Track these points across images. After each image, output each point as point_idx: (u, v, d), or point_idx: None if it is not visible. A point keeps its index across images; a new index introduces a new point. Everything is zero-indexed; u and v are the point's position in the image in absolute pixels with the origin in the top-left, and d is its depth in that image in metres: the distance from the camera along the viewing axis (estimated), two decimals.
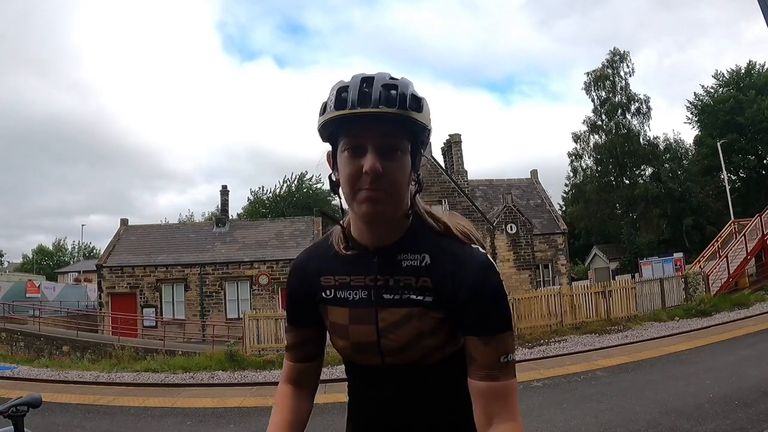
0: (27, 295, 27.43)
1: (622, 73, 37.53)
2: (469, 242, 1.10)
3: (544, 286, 23.62)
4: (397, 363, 1.08)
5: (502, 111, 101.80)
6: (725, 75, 39.77)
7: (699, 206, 36.45)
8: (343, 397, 1.25)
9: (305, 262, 1.20)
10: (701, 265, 20.68)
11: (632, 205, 37.35)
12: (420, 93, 1.02)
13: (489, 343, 1.02)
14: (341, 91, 0.99)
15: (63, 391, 9.49)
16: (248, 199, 47.33)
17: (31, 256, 59.35)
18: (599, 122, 38.02)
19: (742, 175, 39.33)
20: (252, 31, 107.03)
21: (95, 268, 27.09)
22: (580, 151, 39.21)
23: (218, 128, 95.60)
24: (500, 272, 1.07)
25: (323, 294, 1.14)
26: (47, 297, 28.72)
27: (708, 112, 38.93)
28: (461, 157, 28.94)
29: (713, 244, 22.42)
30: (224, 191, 30.01)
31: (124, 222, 27.95)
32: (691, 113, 41.03)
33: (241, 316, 17.29)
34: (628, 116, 37.24)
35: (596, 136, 38.30)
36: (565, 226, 29.47)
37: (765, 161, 38.72)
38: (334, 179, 1.07)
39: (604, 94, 37.55)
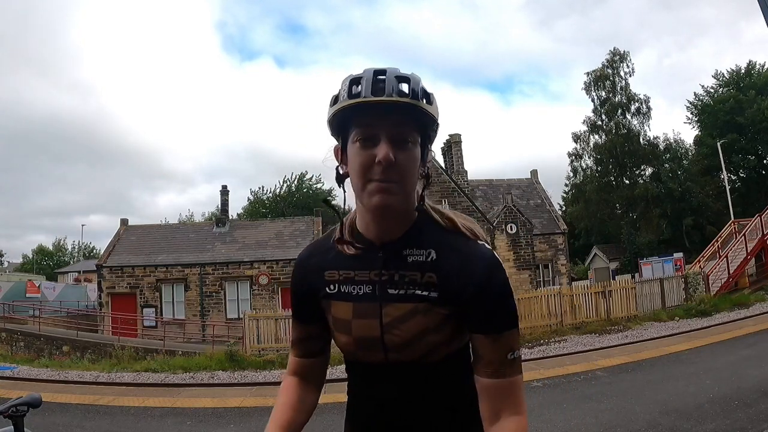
0: (27, 295, 27.42)
1: (622, 73, 37.54)
2: (475, 239, 1.09)
3: (544, 286, 23.61)
4: (400, 359, 1.08)
5: (502, 111, 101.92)
6: (725, 75, 39.87)
7: (699, 206, 36.44)
8: (343, 397, 1.24)
9: (309, 257, 1.20)
10: (701, 265, 20.66)
11: (632, 205, 37.32)
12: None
13: (496, 341, 1.02)
14: (354, 82, 1.01)
15: (63, 391, 9.48)
16: (248, 199, 47.59)
17: (31, 256, 59.46)
18: (599, 122, 38.00)
19: (742, 175, 39.34)
20: (252, 31, 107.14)
21: (95, 268, 27.08)
22: (580, 151, 39.24)
23: (218, 128, 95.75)
24: None
25: (327, 289, 1.14)
26: (47, 297, 28.70)
27: (708, 112, 38.94)
28: (461, 157, 28.93)
29: (713, 244, 22.41)
30: (224, 191, 30.00)
31: (124, 222, 27.94)
32: (691, 113, 41.13)
33: (241, 316, 17.30)
34: (628, 116, 37.22)
35: (596, 136, 38.34)
36: (565, 226, 29.46)
37: (765, 161, 38.72)
38: (341, 172, 1.08)
39: (604, 94, 37.53)
